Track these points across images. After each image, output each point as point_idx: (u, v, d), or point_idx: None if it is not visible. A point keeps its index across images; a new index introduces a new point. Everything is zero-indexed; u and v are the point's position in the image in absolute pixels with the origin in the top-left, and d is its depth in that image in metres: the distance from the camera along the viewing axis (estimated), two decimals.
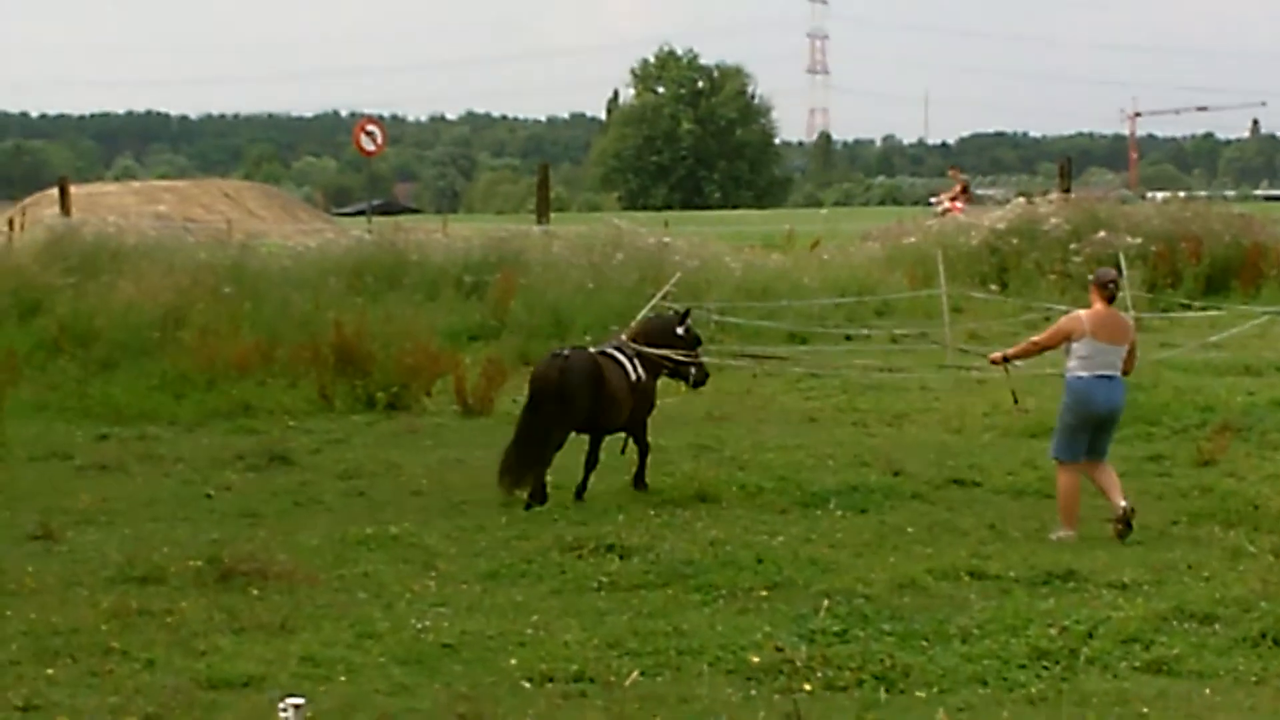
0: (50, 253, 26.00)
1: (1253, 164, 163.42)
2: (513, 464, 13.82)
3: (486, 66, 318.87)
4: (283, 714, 7.26)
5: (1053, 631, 9.62)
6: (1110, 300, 12.77)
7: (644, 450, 14.58)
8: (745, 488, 14.35)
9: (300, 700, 7.38)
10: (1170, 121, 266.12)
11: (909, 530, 12.77)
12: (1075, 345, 12.70)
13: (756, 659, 9.18)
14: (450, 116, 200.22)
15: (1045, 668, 9.17)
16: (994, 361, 13.77)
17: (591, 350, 14.64)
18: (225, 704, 8.50)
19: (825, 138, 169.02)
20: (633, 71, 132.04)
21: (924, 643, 9.60)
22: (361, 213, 55.24)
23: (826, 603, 10.29)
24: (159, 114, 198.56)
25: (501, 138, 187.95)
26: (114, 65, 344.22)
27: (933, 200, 44.74)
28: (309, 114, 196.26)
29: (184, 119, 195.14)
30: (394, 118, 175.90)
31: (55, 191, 33.95)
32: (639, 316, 16.40)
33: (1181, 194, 46.30)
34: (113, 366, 20.88)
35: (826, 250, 34.05)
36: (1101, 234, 30.23)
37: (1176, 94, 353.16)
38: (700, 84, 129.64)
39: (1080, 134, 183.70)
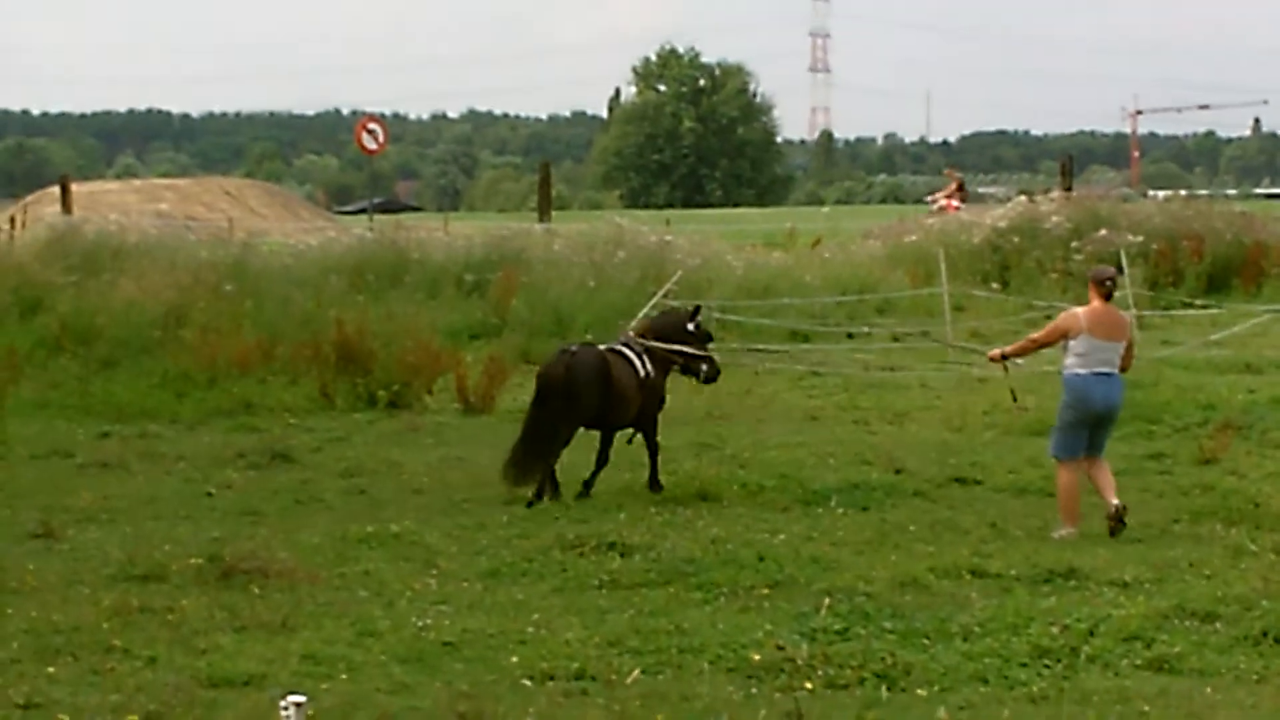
0: (51, 251, 26.04)
1: (1254, 162, 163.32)
2: (519, 459, 13.85)
3: (488, 65, 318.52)
4: (284, 712, 7.25)
5: (1054, 629, 9.62)
6: (1108, 297, 12.77)
7: (654, 450, 14.52)
8: (747, 486, 14.36)
9: (301, 698, 7.38)
10: (1172, 120, 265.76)
11: (910, 528, 12.78)
12: (1072, 342, 12.70)
13: (758, 657, 9.18)
14: (452, 115, 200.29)
15: (1046, 666, 9.17)
16: (993, 359, 13.78)
17: (600, 347, 14.65)
18: (226, 702, 8.49)
19: (827, 136, 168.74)
20: (634, 69, 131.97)
21: (925, 641, 9.60)
22: (363, 211, 55.21)
23: (828, 601, 10.29)
24: (160, 112, 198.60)
25: (503, 136, 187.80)
26: (116, 63, 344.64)
27: (928, 199, 44.77)
28: (310, 112, 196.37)
29: (185, 117, 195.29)
30: (395, 116, 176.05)
31: (57, 189, 33.96)
32: (640, 315, 16.40)
33: (1183, 192, 46.27)
34: (114, 364, 20.90)
35: (828, 248, 33.99)
36: (1103, 232, 30.22)
37: (1178, 92, 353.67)
38: (702, 82, 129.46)
39: (1082, 132, 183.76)
